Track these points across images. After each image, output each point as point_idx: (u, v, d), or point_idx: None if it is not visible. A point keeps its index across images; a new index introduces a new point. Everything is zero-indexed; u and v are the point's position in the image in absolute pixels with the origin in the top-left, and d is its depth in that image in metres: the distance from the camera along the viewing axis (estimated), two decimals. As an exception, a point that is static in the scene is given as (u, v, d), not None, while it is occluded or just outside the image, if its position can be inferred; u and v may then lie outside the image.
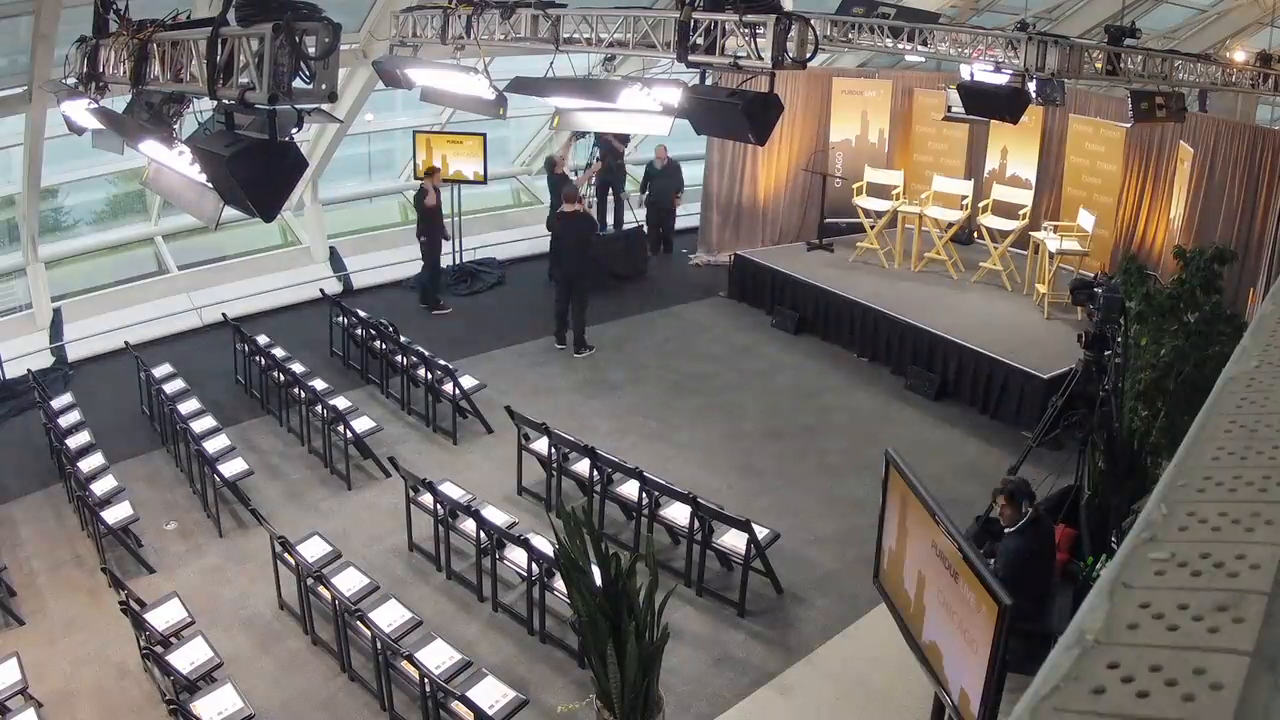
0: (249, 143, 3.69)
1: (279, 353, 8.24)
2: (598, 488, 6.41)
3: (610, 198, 11.56)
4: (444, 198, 10.49)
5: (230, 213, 4.62)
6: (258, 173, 3.69)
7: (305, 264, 10.70)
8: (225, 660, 4.94)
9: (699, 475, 7.07)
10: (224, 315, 8.96)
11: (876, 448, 4.88)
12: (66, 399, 7.78)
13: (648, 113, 6.16)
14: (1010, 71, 6.39)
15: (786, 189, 11.66)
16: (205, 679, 4.76)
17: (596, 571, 4.46)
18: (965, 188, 10.63)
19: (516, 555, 5.55)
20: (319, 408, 7.35)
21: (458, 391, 7.77)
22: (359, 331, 8.84)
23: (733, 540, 5.77)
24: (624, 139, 11.70)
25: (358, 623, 4.96)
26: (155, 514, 6.74)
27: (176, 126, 4.66)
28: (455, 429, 7.76)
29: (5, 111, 8.37)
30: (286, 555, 5.59)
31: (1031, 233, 9.81)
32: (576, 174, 12.46)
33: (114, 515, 6.18)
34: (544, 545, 5.35)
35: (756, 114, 5.12)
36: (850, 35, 6.85)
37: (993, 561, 4.68)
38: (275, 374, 8.02)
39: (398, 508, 6.46)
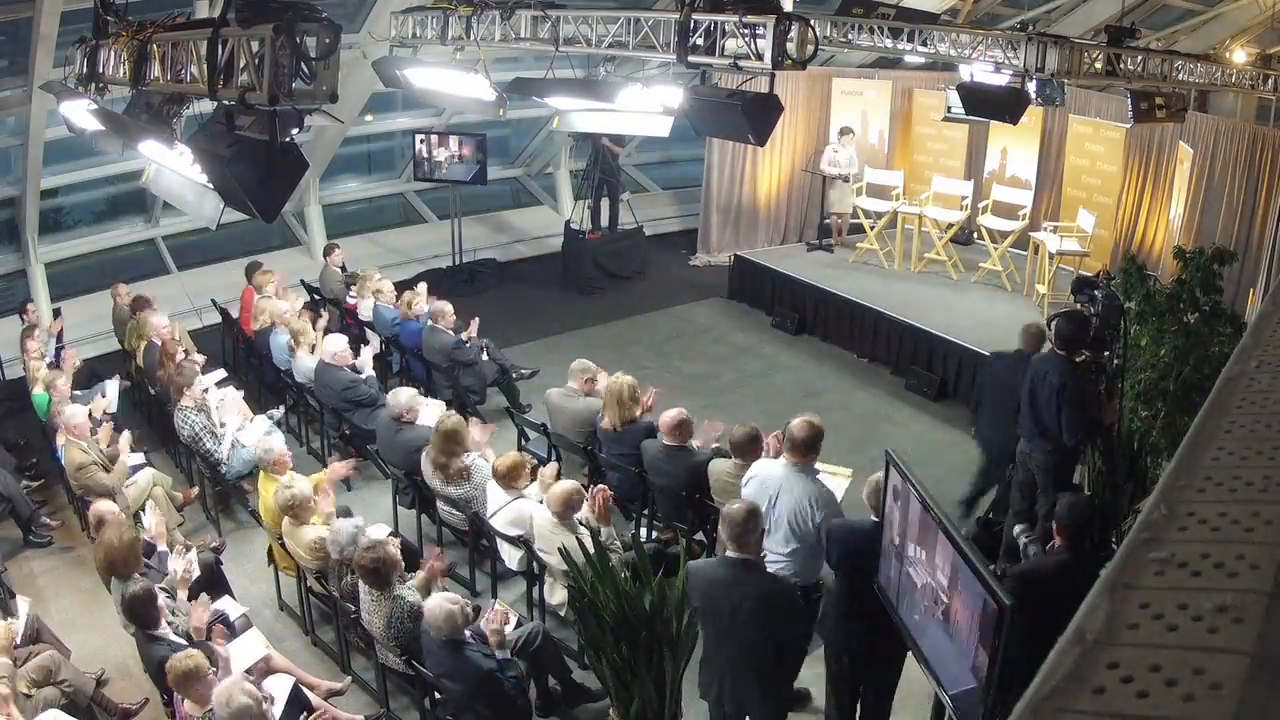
0: (249, 143, 3.69)
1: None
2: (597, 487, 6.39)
3: (605, 198, 11.55)
4: (446, 198, 10.45)
5: (230, 213, 4.63)
6: (258, 173, 3.69)
7: (305, 264, 10.67)
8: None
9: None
10: (223, 314, 8.95)
11: (876, 448, 4.87)
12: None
13: (648, 113, 6.16)
14: (1010, 72, 6.39)
15: (786, 189, 11.66)
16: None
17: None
18: (965, 188, 10.62)
19: (515, 554, 5.55)
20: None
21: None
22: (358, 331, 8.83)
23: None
24: (620, 140, 11.67)
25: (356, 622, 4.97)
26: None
27: (176, 127, 4.67)
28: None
29: (5, 112, 8.36)
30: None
31: (1031, 233, 9.81)
32: (577, 176, 12.45)
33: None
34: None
35: (756, 114, 5.12)
36: (850, 35, 6.85)
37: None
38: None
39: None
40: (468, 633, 4.46)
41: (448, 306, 7.92)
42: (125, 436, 6.49)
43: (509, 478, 5.53)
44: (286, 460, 5.82)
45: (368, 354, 7.53)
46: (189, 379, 6.77)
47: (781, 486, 4.59)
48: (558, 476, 5.61)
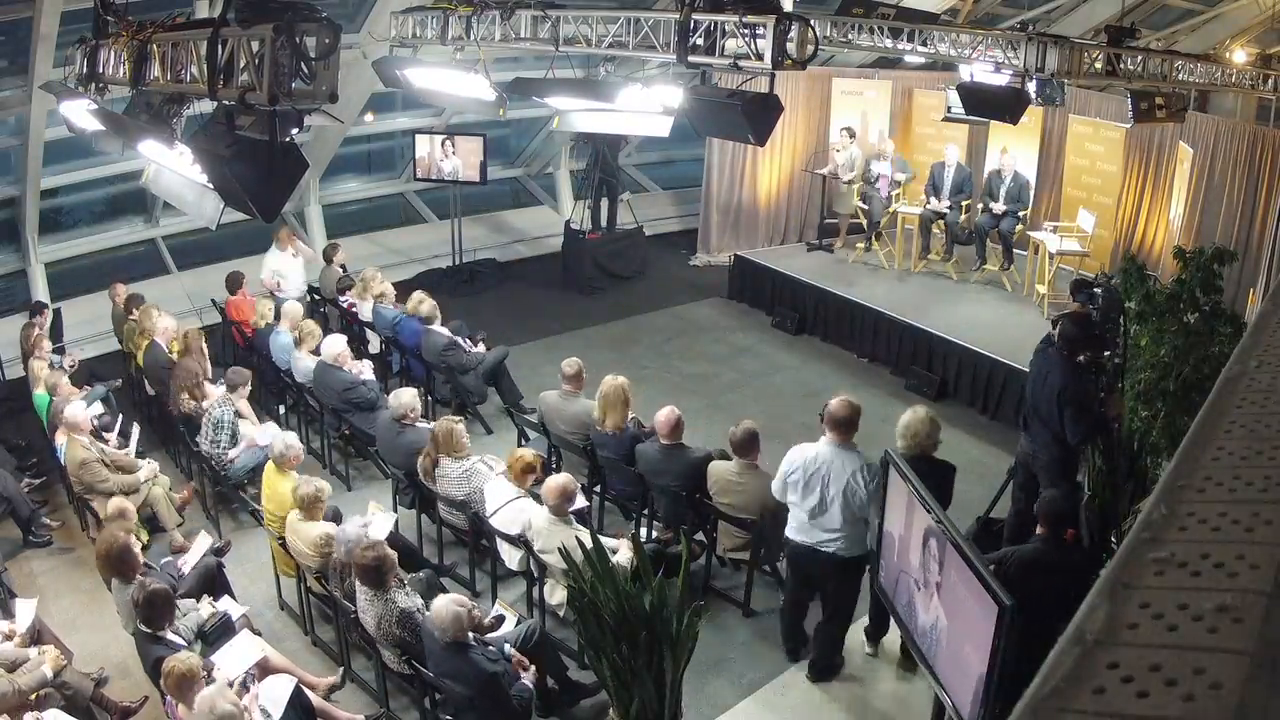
0: (249, 143, 3.69)
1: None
2: (597, 488, 6.40)
3: (605, 198, 11.55)
4: (446, 198, 10.42)
5: (230, 213, 4.63)
6: (258, 173, 3.69)
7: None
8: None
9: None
10: (222, 314, 8.95)
11: (876, 448, 4.89)
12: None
13: (648, 113, 6.16)
14: (1010, 72, 6.39)
15: (786, 189, 11.66)
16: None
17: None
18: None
19: (515, 554, 5.55)
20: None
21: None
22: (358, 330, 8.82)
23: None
24: (620, 140, 11.67)
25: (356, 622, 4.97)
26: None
27: (176, 127, 4.67)
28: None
29: (5, 112, 8.35)
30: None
31: (1031, 233, 9.81)
32: (577, 176, 12.44)
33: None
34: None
35: (756, 114, 5.12)
36: (850, 35, 6.85)
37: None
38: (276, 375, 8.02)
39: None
40: (470, 634, 4.47)
41: (435, 307, 7.98)
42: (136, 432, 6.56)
43: (523, 474, 5.58)
44: (301, 456, 5.94)
45: (368, 367, 7.56)
46: (243, 379, 7.02)
47: (830, 467, 4.80)
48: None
